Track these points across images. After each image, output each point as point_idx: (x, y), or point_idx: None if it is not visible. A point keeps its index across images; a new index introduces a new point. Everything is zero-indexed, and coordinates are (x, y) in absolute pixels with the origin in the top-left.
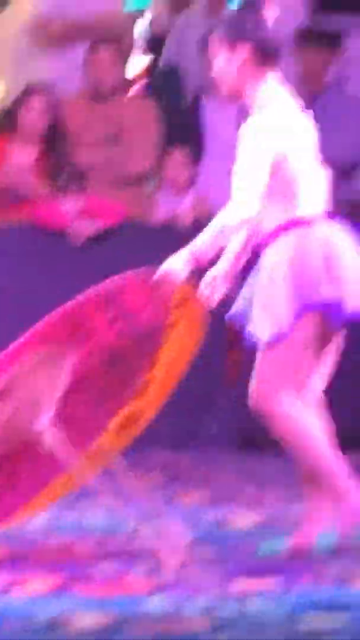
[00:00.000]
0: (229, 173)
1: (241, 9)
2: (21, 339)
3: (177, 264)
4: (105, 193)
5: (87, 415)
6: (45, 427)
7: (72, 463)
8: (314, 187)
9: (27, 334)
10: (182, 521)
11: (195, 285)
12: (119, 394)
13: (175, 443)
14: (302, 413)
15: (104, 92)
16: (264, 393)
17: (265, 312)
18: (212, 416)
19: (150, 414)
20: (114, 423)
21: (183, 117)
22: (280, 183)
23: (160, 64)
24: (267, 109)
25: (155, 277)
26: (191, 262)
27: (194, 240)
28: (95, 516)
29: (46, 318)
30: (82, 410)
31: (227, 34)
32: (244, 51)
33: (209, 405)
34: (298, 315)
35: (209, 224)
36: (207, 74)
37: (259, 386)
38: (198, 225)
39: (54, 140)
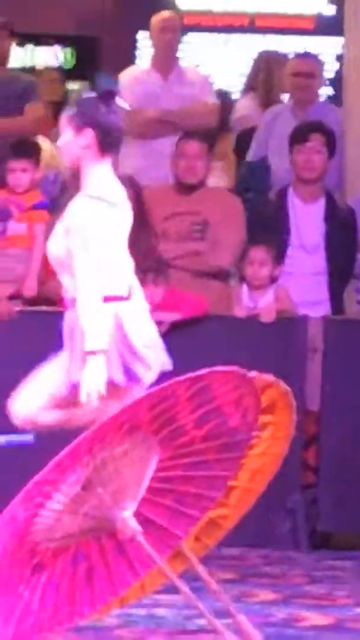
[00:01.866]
0: (312, 269)
1: (97, 96)
2: (103, 424)
3: (100, 376)
4: (188, 286)
5: (167, 522)
6: (129, 516)
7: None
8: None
9: (111, 419)
10: (253, 618)
11: (285, 391)
12: (200, 502)
13: (247, 541)
14: None
15: (191, 184)
16: None
17: None
18: (284, 515)
19: (232, 522)
20: (194, 530)
21: (268, 212)
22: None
23: (248, 158)
24: (95, 192)
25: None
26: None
27: (90, 342)
28: (167, 610)
29: (132, 404)
30: (161, 516)
31: (77, 116)
32: (88, 137)
33: (281, 504)
34: None
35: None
36: (295, 169)
37: None
38: (280, 321)
39: (138, 231)
